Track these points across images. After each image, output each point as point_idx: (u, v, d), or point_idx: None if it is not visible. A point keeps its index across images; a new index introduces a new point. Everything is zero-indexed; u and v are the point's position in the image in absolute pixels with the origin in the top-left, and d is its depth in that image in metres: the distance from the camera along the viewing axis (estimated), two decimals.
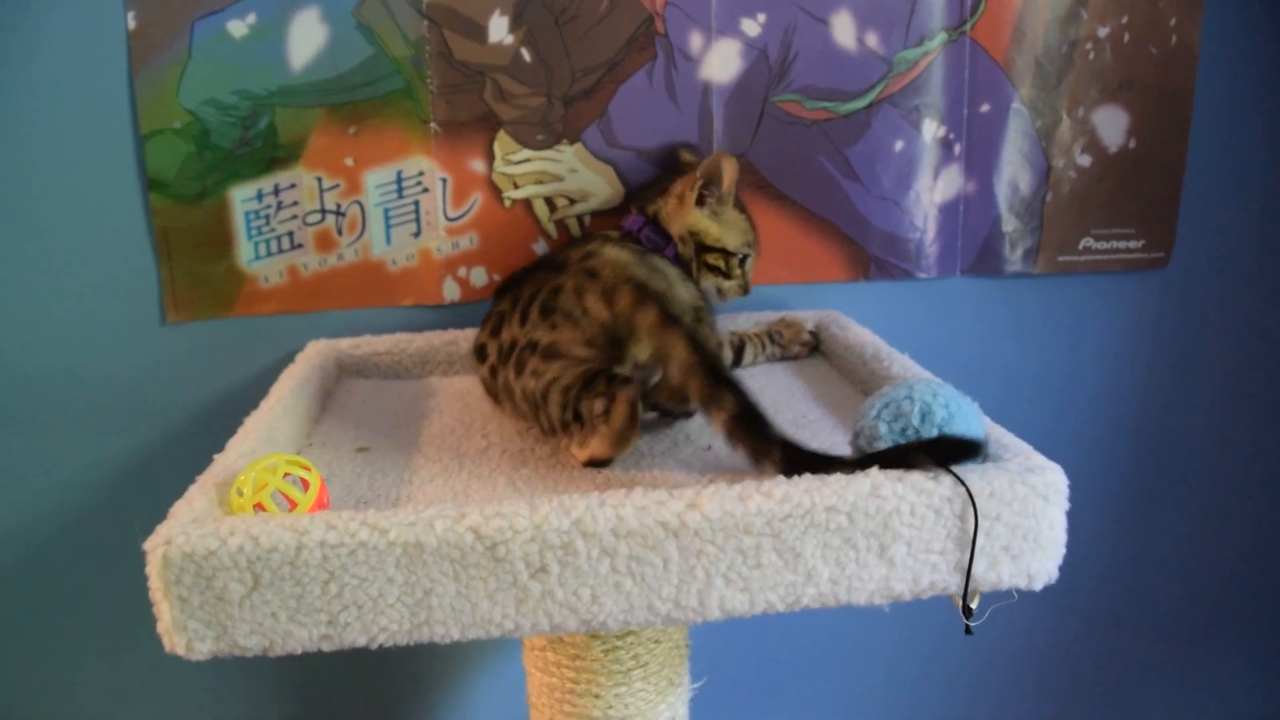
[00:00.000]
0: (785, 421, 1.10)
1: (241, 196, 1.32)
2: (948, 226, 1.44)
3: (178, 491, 0.84)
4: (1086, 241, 1.47)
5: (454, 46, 1.31)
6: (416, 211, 1.35)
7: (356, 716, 1.57)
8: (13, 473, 1.38)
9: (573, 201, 1.37)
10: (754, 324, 1.38)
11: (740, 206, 1.28)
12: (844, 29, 1.36)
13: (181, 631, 0.77)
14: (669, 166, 1.35)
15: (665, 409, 1.09)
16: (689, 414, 1.09)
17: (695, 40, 1.34)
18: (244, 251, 1.34)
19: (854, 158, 1.40)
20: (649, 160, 1.36)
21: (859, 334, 1.26)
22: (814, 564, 0.80)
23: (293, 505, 0.83)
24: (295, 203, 1.33)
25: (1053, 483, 0.82)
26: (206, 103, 1.29)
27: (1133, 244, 1.48)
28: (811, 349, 1.35)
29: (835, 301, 1.44)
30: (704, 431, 1.08)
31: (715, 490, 0.79)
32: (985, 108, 1.41)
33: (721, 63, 1.35)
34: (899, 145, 1.40)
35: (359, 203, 1.34)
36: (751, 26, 1.35)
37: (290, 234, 1.34)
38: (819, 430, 1.07)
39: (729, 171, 1.22)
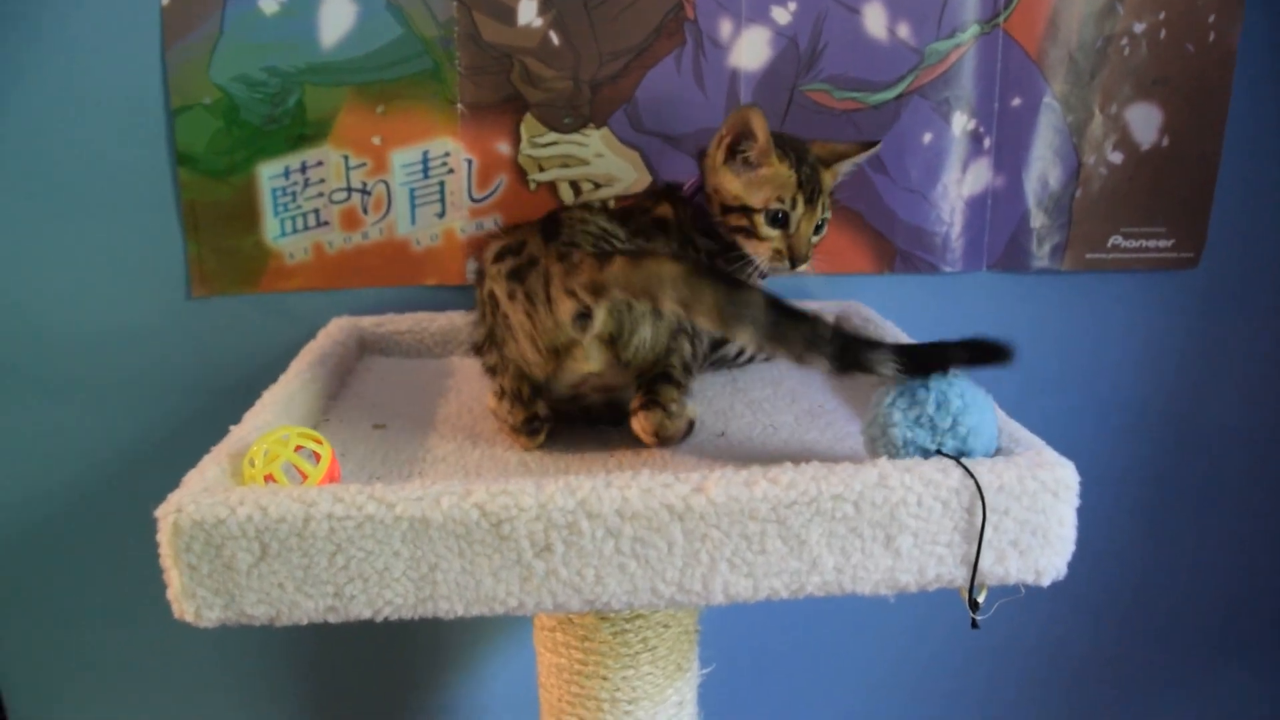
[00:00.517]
0: (801, 410, 1.10)
1: (269, 173, 1.33)
2: (975, 221, 1.43)
3: (196, 462, 0.85)
4: (1115, 239, 1.46)
5: (483, 28, 1.31)
6: (442, 192, 1.36)
7: (371, 692, 1.58)
8: (37, 439, 1.41)
9: (598, 186, 1.37)
10: None
11: (796, 158, 1.14)
12: (875, 19, 1.35)
13: (190, 599, 0.78)
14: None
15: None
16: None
17: (725, 27, 1.34)
18: (270, 228, 1.35)
19: (882, 149, 1.39)
20: (675, 146, 1.36)
21: (880, 326, 1.25)
22: (819, 552, 0.80)
23: (304, 477, 0.84)
24: (322, 180, 1.34)
25: (1063, 478, 0.81)
26: (236, 79, 1.30)
27: (1162, 243, 1.47)
28: None
29: (860, 293, 1.44)
30: (716, 418, 1.08)
31: (721, 475, 0.79)
32: (1016, 102, 1.39)
33: (750, 50, 1.35)
34: (928, 137, 1.39)
35: (385, 182, 1.35)
36: (782, 14, 1.34)
37: (316, 211, 1.35)
38: (834, 419, 1.07)
39: (758, 124, 1.10)
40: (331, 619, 0.80)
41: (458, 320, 1.35)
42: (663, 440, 0.99)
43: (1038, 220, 1.44)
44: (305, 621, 0.80)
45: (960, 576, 0.82)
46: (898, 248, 1.43)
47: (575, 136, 1.36)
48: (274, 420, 0.95)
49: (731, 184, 1.14)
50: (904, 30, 1.36)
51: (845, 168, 1.21)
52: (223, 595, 0.78)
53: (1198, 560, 1.66)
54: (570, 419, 1.04)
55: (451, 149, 1.34)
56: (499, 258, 1.00)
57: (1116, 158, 1.43)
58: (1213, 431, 1.60)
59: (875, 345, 0.87)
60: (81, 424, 1.40)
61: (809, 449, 0.99)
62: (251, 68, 1.30)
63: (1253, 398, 1.59)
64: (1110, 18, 1.38)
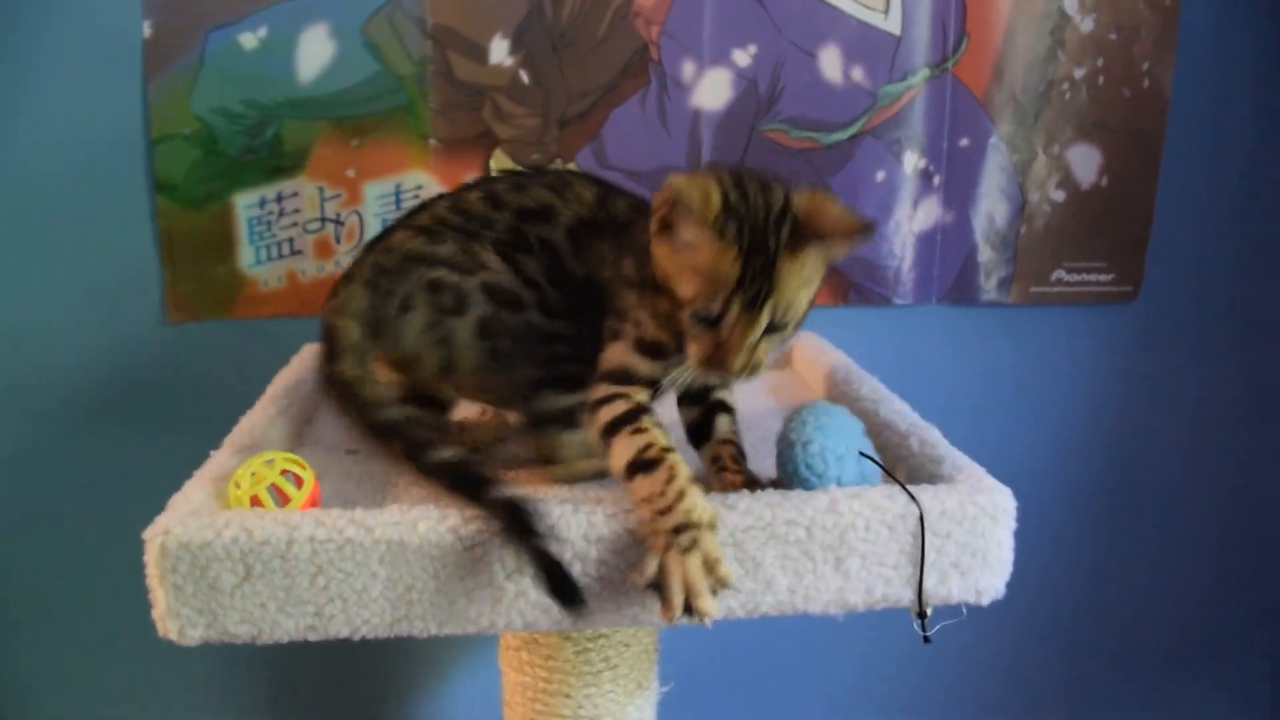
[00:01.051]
0: (757, 438, 1.14)
1: (245, 202, 1.37)
2: (925, 255, 1.49)
3: (176, 485, 0.88)
4: (1059, 274, 1.52)
5: (456, 66, 1.36)
6: None
7: (336, 708, 1.61)
8: (17, 464, 1.43)
9: None
10: None
11: (751, 242, 0.85)
12: (831, 63, 1.41)
13: (175, 618, 0.81)
14: None
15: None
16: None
17: (688, 69, 1.39)
18: (245, 256, 1.38)
19: (837, 186, 1.45)
20: (638, 181, 1.41)
21: (832, 356, 1.30)
22: (773, 573, 0.85)
23: (286, 500, 0.87)
24: (297, 210, 1.38)
25: (1001, 504, 0.86)
26: (216, 111, 1.34)
27: (1103, 277, 1.54)
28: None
29: (814, 324, 1.47)
30: (680, 446, 1.12)
31: None
32: (964, 142, 1.46)
33: (712, 91, 1.40)
34: (880, 175, 1.45)
35: (358, 213, 1.39)
36: (742, 57, 1.40)
37: (291, 240, 1.39)
38: None
39: (695, 198, 0.84)
40: (311, 638, 0.83)
41: None
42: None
43: (985, 255, 1.50)
44: (285, 640, 0.83)
45: (906, 596, 0.87)
46: (851, 281, 1.48)
47: None
48: (252, 445, 0.99)
49: (663, 260, 0.89)
50: (858, 74, 1.42)
51: (839, 251, 0.91)
52: (206, 615, 0.81)
53: (1142, 581, 1.73)
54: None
55: (424, 182, 1.39)
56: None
57: (1059, 196, 1.49)
58: (1154, 455, 1.66)
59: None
60: (59, 446, 1.43)
61: (764, 475, 1.03)
62: (231, 100, 1.34)
63: (1190, 423, 1.66)
64: (1052, 63, 1.45)
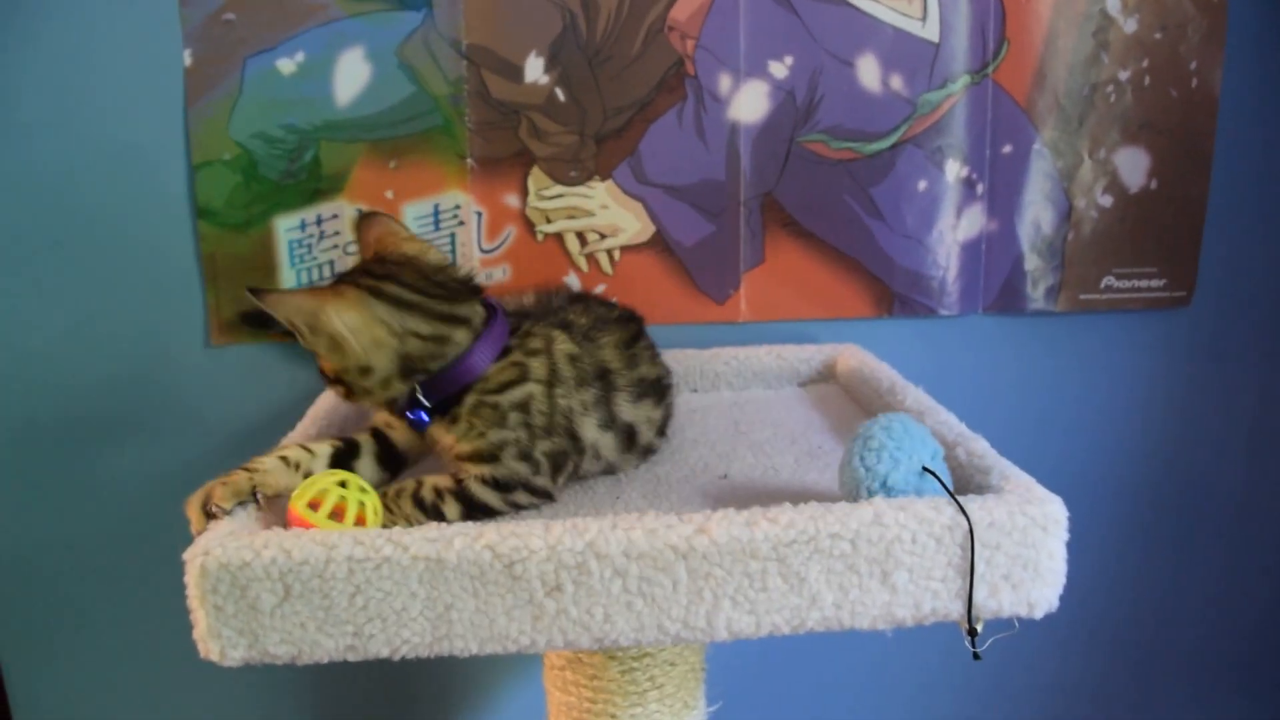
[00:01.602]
0: (801, 452, 1.14)
1: (285, 226, 1.38)
2: (970, 264, 1.47)
3: None
4: (1108, 280, 1.50)
5: (491, 86, 1.36)
6: (452, 243, 1.40)
7: None
8: (62, 484, 1.44)
9: (603, 236, 1.42)
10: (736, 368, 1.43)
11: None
12: (869, 72, 1.40)
13: (216, 639, 0.81)
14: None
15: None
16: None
17: (724, 82, 1.39)
18: (286, 278, 1.39)
19: (878, 197, 1.43)
20: (676, 197, 1.41)
21: (877, 368, 1.28)
22: (818, 588, 0.83)
23: (340, 512, 0.88)
24: (337, 232, 1.39)
25: (1052, 514, 0.84)
26: (255, 136, 1.35)
27: (1154, 283, 1.50)
28: None
29: (858, 336, 1.47)
30: (720, 461, 1.12)
31: (724, 515, 0.82)
32: (1007, 149, 1.44)
33: (749, 104, 1.40)
34: (922, 185, 1.43)
35: None
36: (779, 69, 1.39)
37: (331, 262, 1.39)
38: (832, 461, 1.10)
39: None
40: (351, 658, 0.83)
41: None
42: None
43: (1032, 263, 1.48)
44: (325, 660, 0.83)
45: (955, 610, 0.85)
46: (895, 292, 1.47)
47: (581, 189, 1.40)
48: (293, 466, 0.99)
49: None
50: (897, 82, 1.40)
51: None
52: (247, 635, 0.81)
53: (1186, 596, 1.68)
54: None
55: (462, 201, 1.39)
56: None
57: (1106, 201, 1.47)
58: (1211, 465, 1.62)
59: None
60: (103, 467, 1.44)
61: (808, 489, 1.02)
62: (270, 125, 1.35)
63: (1248, 431, 1.61)
64: (1095, 66, 1.42)
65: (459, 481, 0.97)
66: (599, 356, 1.08)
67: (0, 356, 1.40)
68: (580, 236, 1.42)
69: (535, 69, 1.36)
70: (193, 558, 0.80)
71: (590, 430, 1.04)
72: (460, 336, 0.99)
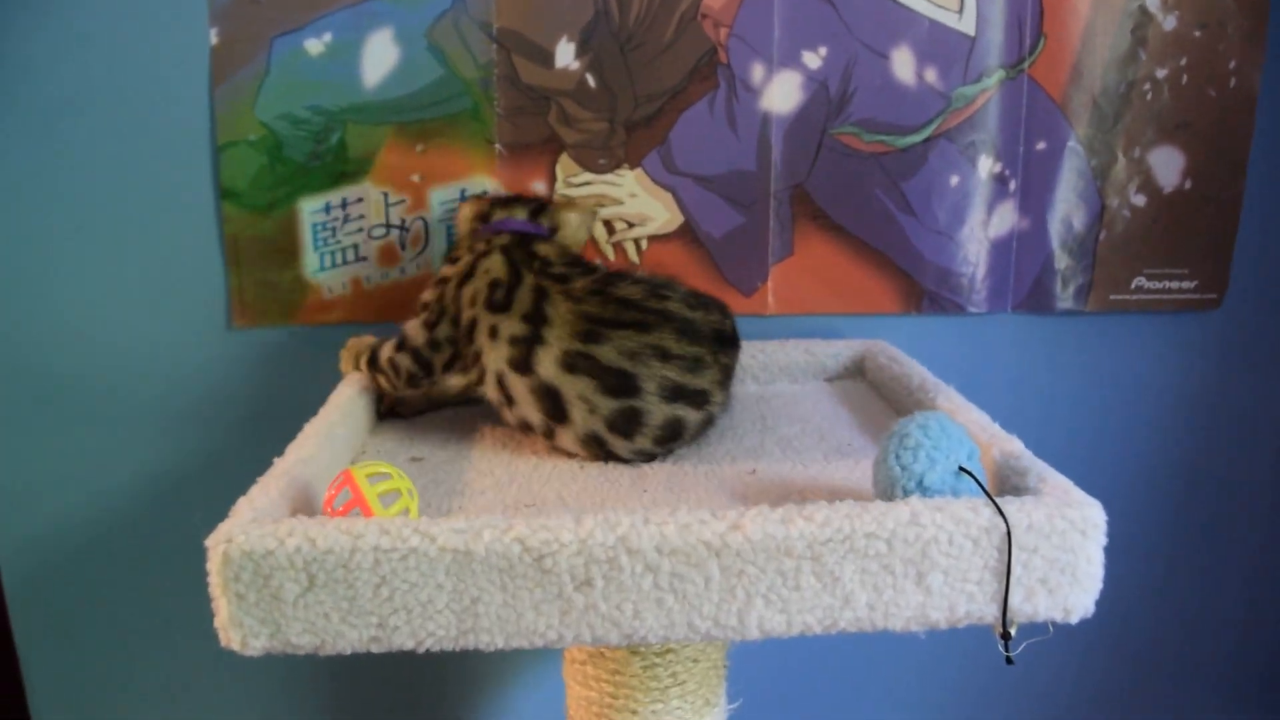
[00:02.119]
0: (829, 448, 1.12)
1: (310, 208, 1.37)
2: (1000, 262, 1.45)
3: (238, 491, 0.86)
4: (1139, 281, 1.48)
5: (521, 71, 1.35)
6: None
7: (396, 718, 1.60)
8: (81, 466, 1.44)
9: (631, 225, 1.40)
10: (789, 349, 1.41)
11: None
12: (904, 64, 1.38)
13: (238, 627, 0.80)
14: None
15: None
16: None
17: (757, 71, 1.37)
18: (310, 262, 1.38)
19: (910, 191, 1.41)
20: (706, 187, 1.39)
21: (906, 365, 1.27)
22: (852, 588, 0.82)
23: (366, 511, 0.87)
24: (362, 216, 1.37)
25: (1091, 518, 0.82)
26: (281, 117, 1.34)
27: (1186, 284, 1.48)
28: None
29: (886, 333, 1.46)
30: (747, 455, 1.10)
31: (758, 512, 0.81)
32: (1041, 145, 1.42)
33: (782, 94, 1.38)
34: (954, 180, 1.41)
35: (423, 219, 1.38)
36: (813, 59, 1.37)
37: (355, 246, 1.38)
38: (862, 457, 1.09)
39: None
40: (375, 649, 0.82)
41: None
42: None
43: (1062, 262, 1.46)
44: (349, 651, 0.81)
45: (990, 614, 0.84)
46: (925, 288, 1.45)
47: (609, 177, 1.39)
48: (316, 453, 0.98)
49: None
50: (931, 75, 1.38)
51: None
52: (269, 624, 0.80)
53: (1216, 602, 1.66)
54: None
55: (489, 188, 1.37)
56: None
57: (1140, 200, 1.45)
58: (1233, 471, 1.60)
59: None
60: (124, 450, 1.43)
61: (838, 487, 1.01)
62: (296, 106, 1.33)
63: (1274, 437, 1.59)
64: (1133, 63, 1.40)
65: None
66: (549, 307, 1.09)
67: (19, 337, 1.39)
68: (608, 225, 1.40)
69: (566, 54, 1.35)
70: (215, 544, 0.79)
71: (494, 359, 1.10)
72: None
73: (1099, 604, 0.86)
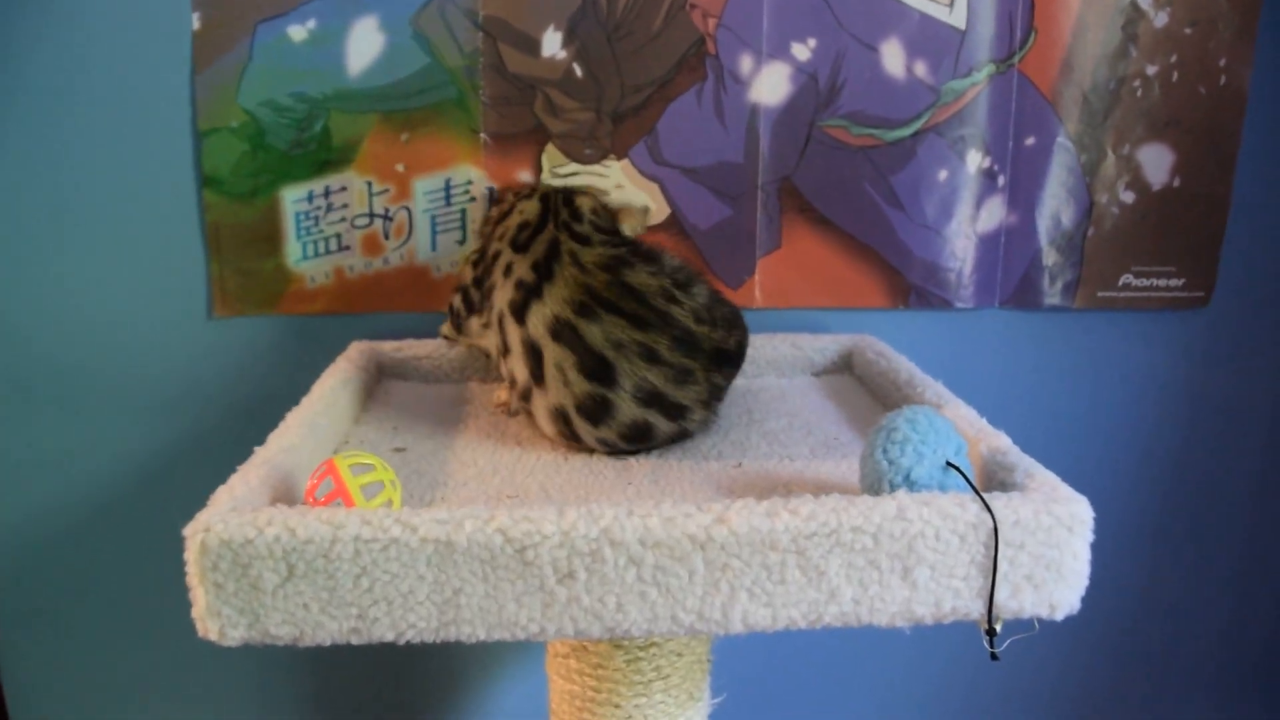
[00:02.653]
0: (816, 443, 1.11)
1: (292, 197, 1.35)
2: (988, 257, 1.45)
3: (218, 480, 0.85)
4: (1126, 278, 1.47)
5: (507, 59, 1.33)
6: (463, 219, 1.38)
7: (378, 712, 1.59)
8: (58, 455, 1.42)
9: None
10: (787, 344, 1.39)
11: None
12: (893, 57, 1.37)
13: (215, 618, 0.79)
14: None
15: None
16: None
17: (745, 62, 1.36)
18: (292, 251, 1.37)
19: (898, 185, 1.41)
20: (694, 179, 1.38)
21: (893, 360, 1.26)
22: (837, 583, 0.81)
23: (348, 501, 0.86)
24: (345, 205, 1.36)
25: (1077, 514, 0.82)
26: (264, 104, 1.32)
27: (1173, 282, 1.48)
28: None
29: (873, 327, 1.45)
30: (733, 449, 1.10)
31: (743, 505, 0.80)
32: (1030, 141, 1.41)
33: (770, 86, 1.37)
34: (943, 175, 1.41)
35: (407, 208, 1.37)
36: (802, 51, 1.36)
37: (338, 236, 1.37)
38: (848, 453, 1.08)
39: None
40: (354, 640, 0.80)
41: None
42: None
43: (1050, 258, 1.45)
44: (329, 643, 0.80)
45: (976, 609, 0.83)
46: (912, 283, 1.44)
47: (596, 167, 1.37)
48: (299, 443, 0.97)
49: None
50: (921, 69, 1.38)
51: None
52: (247, 615, 0.79)
53: (1201, 598, 1.66)
54: None
55: (474, 177, 1.36)
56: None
57: (1129, 197, 1.44)
58: (1219, 469, 1.60)
59: None
60: (103, 440, 1.42)
61: (825, 481, 1.00)
62: (279, 93, 1.32)
63: (1265, 435, 1.59)
64: (1123, 60, 1.40)
65: None
66: (556, 264, 1.06)
67: None
68: None
69: (553, 43, 1.33)
70: (193, 534, 0.78)
71: (500, 297, 1.09)
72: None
73: (1084, 600, 0.85)
